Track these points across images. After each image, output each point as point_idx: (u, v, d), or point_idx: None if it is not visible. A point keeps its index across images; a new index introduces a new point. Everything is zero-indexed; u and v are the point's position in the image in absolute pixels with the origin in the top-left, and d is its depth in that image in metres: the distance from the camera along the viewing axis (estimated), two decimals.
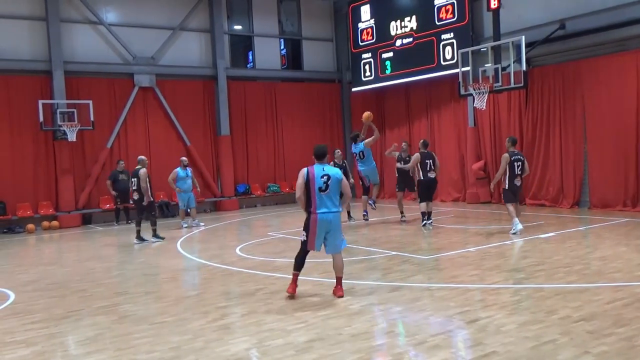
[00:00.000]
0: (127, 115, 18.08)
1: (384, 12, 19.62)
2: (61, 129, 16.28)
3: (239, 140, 20.04)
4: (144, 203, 12.54)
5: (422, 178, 12.60)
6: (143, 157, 13.15)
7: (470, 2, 16.80)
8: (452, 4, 17.20)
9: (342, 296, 6.90)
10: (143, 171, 12.51)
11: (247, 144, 20.27)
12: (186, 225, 15.07)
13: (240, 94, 20.11)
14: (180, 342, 5.54)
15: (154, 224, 12.89)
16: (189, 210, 15.27)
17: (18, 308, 7.24)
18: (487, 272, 7.81)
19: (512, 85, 13.47)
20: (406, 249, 10.26)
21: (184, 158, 15.68)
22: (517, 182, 11.13)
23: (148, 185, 12.50)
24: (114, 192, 16.65)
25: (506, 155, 11.18)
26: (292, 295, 6.99)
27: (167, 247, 11.84)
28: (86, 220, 17.26)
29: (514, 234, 10.96)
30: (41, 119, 16.09)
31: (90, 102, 16.67)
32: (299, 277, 7.15)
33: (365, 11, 20.31)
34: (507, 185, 11.17)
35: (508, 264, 8.46)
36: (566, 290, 6.76)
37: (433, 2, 17.76)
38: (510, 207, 11.16)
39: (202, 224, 15.30)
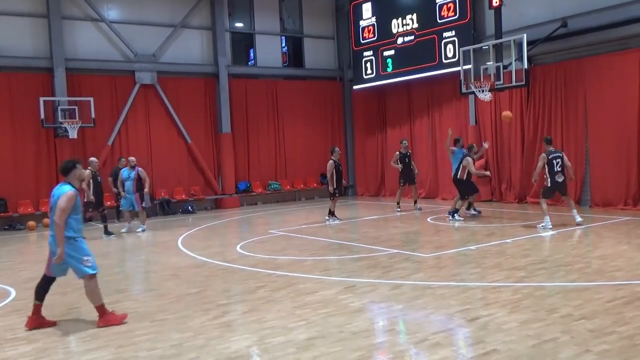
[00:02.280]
0: (128, 113, 18.09)
1: (386, 9, 19.60)
2: (62, 126, 16.29)
3: (240, 138, 20.03)
4: (86, 200, 12.98)
5: (549, 184, 11.54)
6: (93, 158, 13.86)
7: (472, 0, 16.78)
8: (454, 2, 17.18)
9: (100, 326, 6.03)
10: (87, 172, 13.00)
11: (248, 142, 20.26)
12: (124, 230, 14.10)
13: (241, 92, 20.10)
14: (182, 340, 5.55)
15: (104, 220, 13.77)
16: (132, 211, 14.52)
17: (19, 305, 7.26)
18: (488, 271, 7.81)
19: (514, 83, 13.46)
20: (407, 246, 10.27)
21: (131, 158, 14.57)
22: (559, 178, 11.38)
23: (88, 185, 13.10)
24: (115, 189, 16.64)
25: (543, 154, 11.49)
26: (31, 330, 6.07)
27: (168, 245, 11.85)
28: (87, 218, 17.24)
29: (543, 227, 11.22)
30: (42, 116, 16.10)
31: (92, 99, 16.67)
32: (41, 310, 6.23)
33: (367, 9, 20.29)
34: (549, 183, 11.47)
35: (509, 262, 8.46)
36: (567, 289, 6.76)
37: (435, 0, 17.74)
38: (544, 205, 11.51)
39: (141, 229, 14.18)
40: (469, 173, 13.31)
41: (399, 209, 15.54)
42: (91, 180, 13.31)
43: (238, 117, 19.99)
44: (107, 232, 13.66)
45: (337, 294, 6.98)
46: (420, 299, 6.61)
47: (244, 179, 20.19)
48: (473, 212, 13.85)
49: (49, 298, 6.42)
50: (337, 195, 14.28)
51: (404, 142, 16.18)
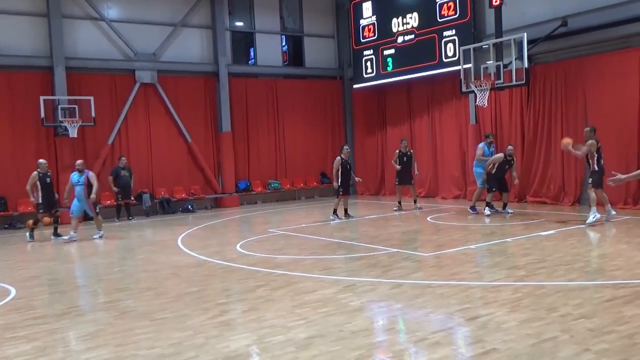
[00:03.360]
0: (128, 112, 18.08)
1: (386, 8, 19.59)
2: (62, 125, 16.29)
3: (240, 137, 20.03)
4: (35, 202, 13.18)
5: (596, 168, 11.77)
6: (42, 160, 13.60)
7: None
8: (454, 1, 17.17)
9: None
10: (33, 174, 13.09)
11: (248, 141, 20.26)
12: (67, 238, 13.00)
13: (241, 91, 20.09)
14: (181, 338, 5.55)
15: (56, 222, 13.71)
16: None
17: (19, 303, 7.25)
18: (487, 270, 7.81)
19: (514, 82, 13.46)
20: (407, 246, 10.26)
21: (79, 161, 13.45)
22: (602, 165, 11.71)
23: (31, 186, 13.05)
24: (115, 189, 16.67)
25: (592, 141, 11.58)
26: None
27: (168, 244, 11.85)
28: (87, 217, 17.22)
29: (592, 221, 11.22)
30: (42, 115, 16.09)
31: (92, 98, 16.66)
32: None
33: (367, 8, 20.28)
34: (597, 167, 11.68)
35: (509, 261, 8.45)
36: (567, 288, 6.76)
37: None
38: (594, 194, 11.56)
39: (72, 235, 13.06)
40: (496, 166, 13.61)
41: (396, 208, 15.64)
42: (38, 182, 13.03)
43: (238, 116, 19.98)
44: (57, 234, 13.45)
45: (336, 293, 6.98)
46: (419, 298, 6.61)
47: (244, 178, 20.19)
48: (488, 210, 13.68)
49: (48, 297, 6.42)
50: (341, 192, 14.32)
51: (404, 141, 16.22)
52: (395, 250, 9.72)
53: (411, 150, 16.36)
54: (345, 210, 14.57)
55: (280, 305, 6.58)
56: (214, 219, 16.28)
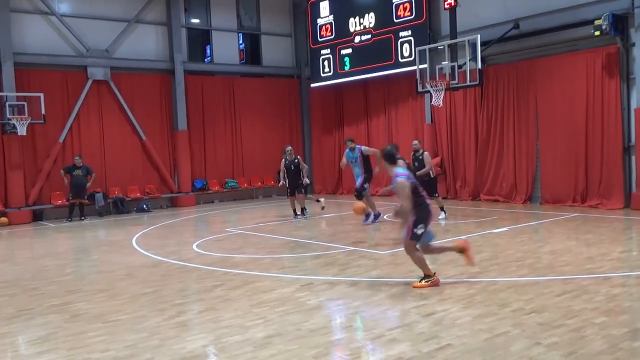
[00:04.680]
0: (80, 109, 17.62)
1: (343, 8, 19.69)
2: (10, 122, 15.76)
3: (197, 135, 19.80)
4: None
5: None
6: None
7: (427, 0, 17.03)
8: (410, 2, 17.40)
9: None
10: None
11: (204, 139, 20.03)
12: None
13: (198, 89, 19.86)
14: (136, 340, 5.46)
15: None
16: None
17: None
18: (442, 267, 7.95)
19: (468, 83, 13.73)
20: (364, 244, 10.35)
21: None
22: None
23: None
24: (66, 181, 16.19)
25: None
26: None
27: (122, 244, 11.62)
28: (37, 217, 16.77)
29: None
30: None
31: (42, 94, 16.17)
32: None
33: (325, 7, 20.34)
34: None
35: (463, 258, 8.62)
36: (518, 284, 6.94)
37: (391, 0, 17.93)
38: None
39: None
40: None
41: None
42: None
43: (194, 114, 19.74)
44: None
45: (294, 292, 6.99)
46: (376, 296, 6.68)
47: (201, 176, 19.97)
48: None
49: None
50: (288, 193, 14.29)
51: (288, 148, 14.77)
52: (353, 248, 9.79)
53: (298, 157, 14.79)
54: (302, 210, 14.52)
55: (237, 304, 6.54)
56: (170, 218, 16.05)
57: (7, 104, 15.72)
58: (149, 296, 7.17)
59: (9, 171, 16.21)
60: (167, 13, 19.22)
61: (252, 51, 22.01)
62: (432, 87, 14.12)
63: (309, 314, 6.06)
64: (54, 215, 16.92)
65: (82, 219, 16.23)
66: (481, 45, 13.48)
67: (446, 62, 14.08)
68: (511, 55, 15.55)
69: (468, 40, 13.57)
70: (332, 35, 20.11)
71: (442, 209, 13.01)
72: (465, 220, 12.85)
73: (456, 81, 13.85)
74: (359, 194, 12.87)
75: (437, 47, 14.76)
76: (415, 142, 13.31)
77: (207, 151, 20.14)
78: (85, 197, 16.70)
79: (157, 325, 5.89)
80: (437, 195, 12.97)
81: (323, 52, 20.48)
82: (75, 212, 16.45)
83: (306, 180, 14.33)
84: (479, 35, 13.46)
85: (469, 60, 13.57)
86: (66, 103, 17.42)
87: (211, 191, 20.03)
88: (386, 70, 18.23)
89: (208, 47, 20.90)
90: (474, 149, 16.40)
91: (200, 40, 21.21)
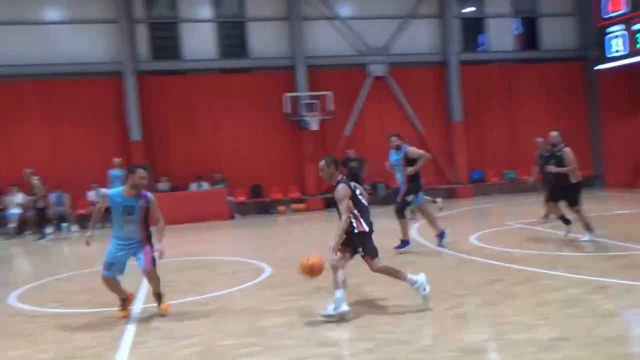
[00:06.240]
0: (362, 104, 18.88)
1: None
2: (305, 119, 17.71)
3: (473, 126, 19.56)
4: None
5: None
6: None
7: None
8: None
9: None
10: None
11: (481, 129, 19.66)
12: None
13: (472, 78, 19.59)
14: (417, 326, 5.60)
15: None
16: None
17: (274, 281, 8.04)
18: None
19: None
20: None
21: None
22: None
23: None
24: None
25: None
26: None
27: (399, 234, 12.02)
28: (329, 204, 18.44)
29: None
30: (287, 110, 17.70)
31: (330, 93, 17.79)
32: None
33: None
34: None
35: None
36: None
37: None
38: None
39: None
40: None
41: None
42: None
43: (469, 105, 19.52)
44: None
45: (584, 294, 6.38)
46: None
47: (478, 168, 19.64)
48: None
49: (299, 276, 6.94)
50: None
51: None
52: None
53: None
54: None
55: (520, 301, 6.24)
56: (447, 209, 16.10)
57: (301, 102, 17.71)
58: (431, 285, 7.26)
59: (304, 163, 18.22)
60: (439, 6, 19.34)
61: (529, 35, 20.75)
62: None
63: (602, 319, 5.47)
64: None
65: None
66: None
67: None
68: None
69: None
70: (625, 8, 17.76)
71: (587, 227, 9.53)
72: None
73: None
74: (399, 211, 9.72)
75: None
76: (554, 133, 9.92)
77: (484, 142, 19.74)
78: (369, 186, 17.84)
79: (437, 315, 5.96)
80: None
81: (612, 29, 18.21)
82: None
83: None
84: None
85: None
86: (349, 99, 18.81)
87: (489, 183, 19.55)
88: None
89: (481, 36, 20.40)
90: None
91: (473, 29, 20.82)
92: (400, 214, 9.60)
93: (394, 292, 7.04)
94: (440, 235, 9.80)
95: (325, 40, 18.84)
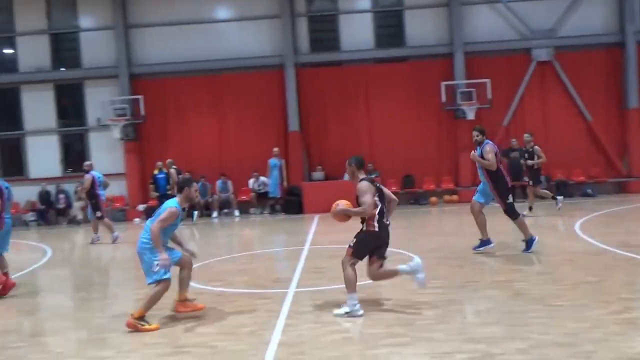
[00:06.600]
0: (523, 92, 17.88)
1: None
2: (461, 108, 17.20)
3: None
4: None
5: None
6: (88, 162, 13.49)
7: None
8: None
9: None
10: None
11: None
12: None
13: None
14: (577, 329, 5.20)
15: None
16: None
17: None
18: None
19: None
20: None
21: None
22: None
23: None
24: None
25: None
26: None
27: (563, 228, 11.30)
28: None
29: None
30: (443, 99, 17.31)
31: (488, 80, 17.08)
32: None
33: None
34: None
35: None
36: None
37: None
38: None
39: None
40: None
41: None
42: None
43: None
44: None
45: None
46: None
47: None
48: None
49: (448, 269, 6.82)
50: None
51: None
52: None
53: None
54: None
55: None
56: (619, 205, 14.77)
57: (458, 91, 17.22)
58: (592, 285, 6.74)
59: (460, 153, 17.70)
60: None
61: None
62: None
63: None
64: None
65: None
66: None
67: None
68: None
69: None
70: None
71: None
72: None
73: None
74: (511, 212, 9.01)
75: None
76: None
77: None
78: (524, 179, 16.83)
79: (600, 318, 5.49)
80: None
81: None
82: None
83: None
84: None
85: None
86: (509, 87, 17.92)
87: None
88: None
89: None
90: None
91: None
92: (513, 215, 9.01)
93: (550, 290, 6.63)
94: (528, 243, 8.88)
95: (485, 25, 18.09)
